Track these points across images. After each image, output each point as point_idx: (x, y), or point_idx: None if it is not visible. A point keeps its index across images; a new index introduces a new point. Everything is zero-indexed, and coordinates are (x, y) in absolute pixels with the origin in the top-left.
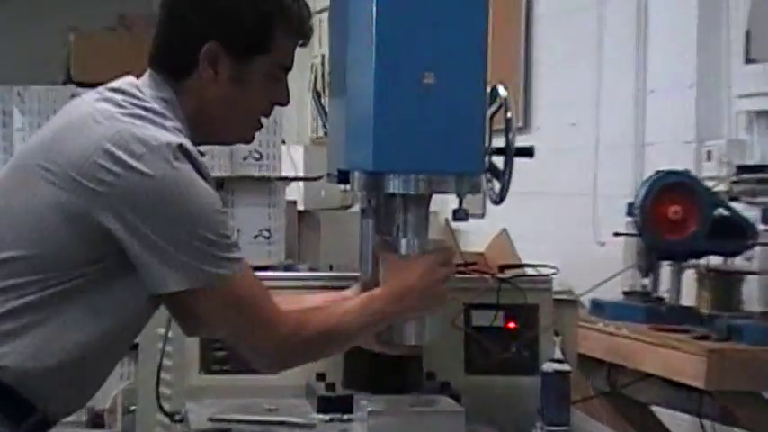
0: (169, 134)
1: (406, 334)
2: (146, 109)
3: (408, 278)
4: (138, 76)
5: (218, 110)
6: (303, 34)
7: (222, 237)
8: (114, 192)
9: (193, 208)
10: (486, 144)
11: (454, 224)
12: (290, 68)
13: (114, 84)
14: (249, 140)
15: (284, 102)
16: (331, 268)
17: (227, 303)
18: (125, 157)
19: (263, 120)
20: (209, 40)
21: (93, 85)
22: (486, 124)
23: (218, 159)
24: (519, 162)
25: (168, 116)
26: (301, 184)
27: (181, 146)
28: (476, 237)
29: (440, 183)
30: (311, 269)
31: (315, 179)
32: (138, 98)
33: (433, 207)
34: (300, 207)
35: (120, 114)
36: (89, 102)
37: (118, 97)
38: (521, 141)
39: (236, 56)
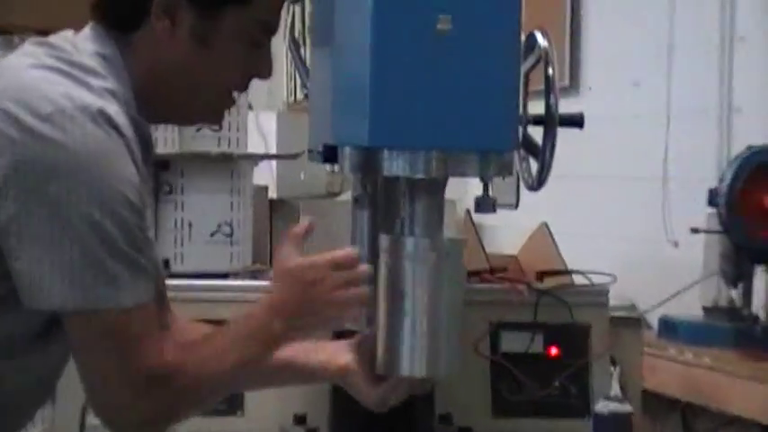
0: (91, 95)
1: (411, 364)
2: (71, 63)
3: (292, 286)
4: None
5: (173, 76)
6: None
7: (129, 245)
8: (5, 162)
9: (102, 195)
10: (521, 111)
11: (477, 217)
12: (274, 31)
13: (47, 38)
14: (215, 121)
15: (264, 74)
16: None
17: (101, 336)
18: (25, 116)
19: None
20: None
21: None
22: (519, 85)
23: (162, 130)
24: (564, 134)
25: (102, 75)
26: (274, 163)
27: (102, 111)
28: (506, 234)
29: (458, 163)
30: None
31: (292, 157)
32: (66, 52)
33: (449, 195)
34: (273, 194)
35: (31, 68)
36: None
37: (39, 50)
38: (566, 107)
39: (201, 5)
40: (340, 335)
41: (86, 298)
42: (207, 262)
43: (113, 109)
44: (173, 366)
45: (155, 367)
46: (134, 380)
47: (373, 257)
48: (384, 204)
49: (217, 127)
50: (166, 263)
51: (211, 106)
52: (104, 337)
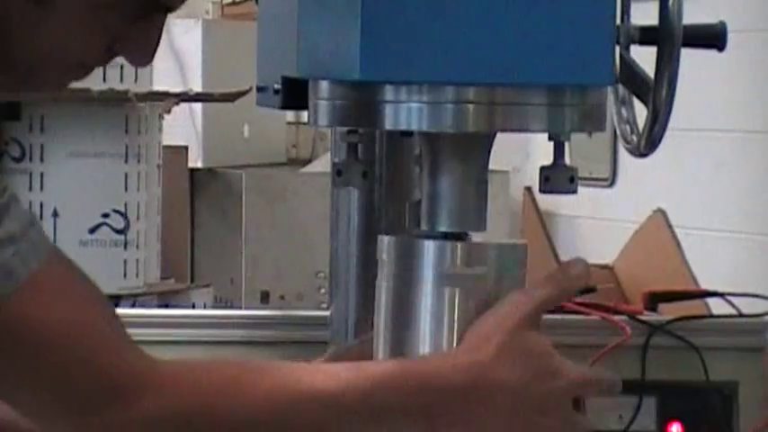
0: None
1: None
2: None
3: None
4: None
5: None
6: None
7: None
8: None
9: None
10: (617, 20)
11: (544, 201)
12: (165, 8)
13: None
14: (42, 90)
15: (136, 59)
16: (266, 299)
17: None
18: None
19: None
20: None
21: None
22: None
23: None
24: (692, 64)
25: None
26: (198, 109)
27: None
28: (594, 230)
29: (512, 109)
30: (219, 302)
31: (228, 99)
32: None
33: (498, 164)
34: (197, 162)
35: None
36: None
37: None
38: (695, 14)
39: None
40: None
41: None
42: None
43: None
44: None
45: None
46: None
47: (367, 267)
48: (387, 180)
49: None
50: None
51: (39, 73)
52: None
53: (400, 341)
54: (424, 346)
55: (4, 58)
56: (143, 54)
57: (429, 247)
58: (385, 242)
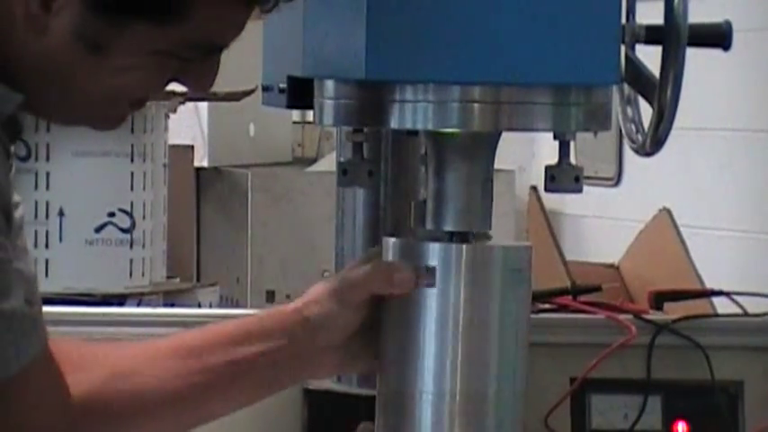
0: None
1: None
2: None
3: None
4: None
5: (36, 72)
6: None
7: None
8: None
9: None
10: (622, 19)
11: (550, 200)
12: (219, 49)
13: None
14: (103, 128)
15: (196, 90)
16: (272, 298)
17: None
18: None
19: None
20: None
21: None
22: None
23: None
24: (697, 64)
25: None
26: (204, 108)
27: None
28: (599, 229)
29: (518, 108)
30: (225, 301)
31: (234, 98)
32: None
33: (503, 164)
34: (203, 161)
35: None
36: None
37: None
38: (700, 13)
39: (95, 5)
40: None
41: None
42: (89, 276)
43: None
44: None
45: None
46: None
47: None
48: (392, 179)
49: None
50: None
51: (98, 114)
52: None
53: (405, 342)
54: (430, 347)
55: (65, 101)
56: (203, 87)
57: (434, 249)
58: (390, 244)
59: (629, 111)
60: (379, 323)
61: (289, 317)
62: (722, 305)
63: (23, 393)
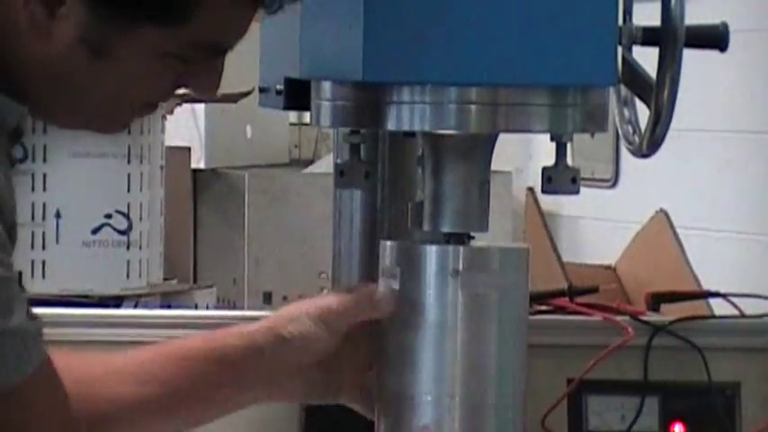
0: None
1: None
2: None
3: None
4: None
5: (41, 77)
6: None
7: None
8: None
9: None
10: (618, 20)
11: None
12: (225, 50)
13: None
14: (111, 132)
15: (201, 93)
16: (269, 300)
17: None
18: None
19: None
20: None
21: None
22: None
23: None
24: (694, 65)
25: None
26: (200, 109)
27: None
28: (596, 231)
29: (515, 109)
30: (222, 303)
31: (231, 100)
32: None
33: (500, 165)
34: (200, 162)
35: None
36: None
37: None
38: (697, 15)
39: (100, 9)
40: None
41: None
42: (86, 277)
43: None
44: None
45: None
46: None
47: (369, 268)
48: (389, 181)
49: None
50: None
51: (103, 117)
52: None
53: (402, 345)
54: (428, 350)
55: (70, 105)
56: (208, 89)
57: (431, 252)
58: (387, 247)
59: (626, 112)
60: (378, 327)
61: (259, 333)
62: (719, 307)
63: (26, 405)
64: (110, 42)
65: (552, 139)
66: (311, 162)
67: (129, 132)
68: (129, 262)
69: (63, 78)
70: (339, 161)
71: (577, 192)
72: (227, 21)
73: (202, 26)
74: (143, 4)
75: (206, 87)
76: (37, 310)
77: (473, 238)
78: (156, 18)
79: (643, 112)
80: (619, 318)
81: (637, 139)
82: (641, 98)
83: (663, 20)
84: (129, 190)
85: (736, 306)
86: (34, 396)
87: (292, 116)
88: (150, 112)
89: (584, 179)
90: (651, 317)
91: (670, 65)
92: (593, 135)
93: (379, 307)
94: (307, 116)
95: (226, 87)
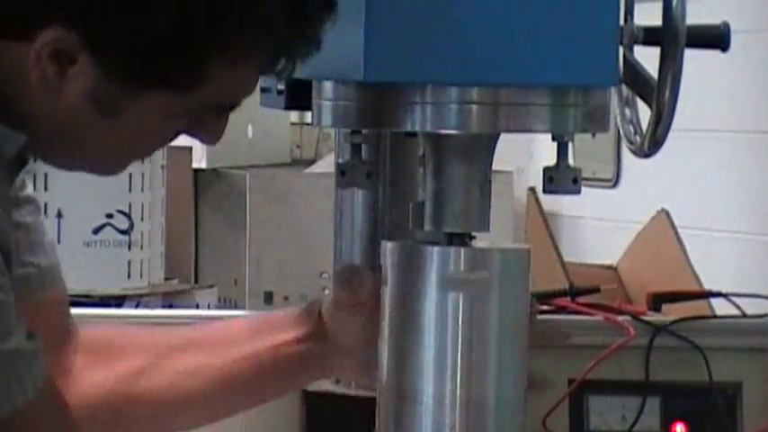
0: None
1: None
2: None
3: None
4: None
5: (50, 129)
6: (291, 50)
7: None
8: None
9: None
10: (620, 20)
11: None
12: (233, 107)
13: None
14: (110, 174)
15: (206, 143)
16: (270, 300)
17: None
18: None
19: None
20: (53, 23)
21: None
22: None
23: None
24: (695, 65)
25: None
26: None
27: None
28: (597, 230)
29: (516, 109)
30: (223, 303)
31: None
32: None
33: (501, 165)
34: (201, 162)
35: None
36: None
37: None
38: (698, 14)
39: (111, 72)
40: None
41: None
42: (87, 277)
43: None
44: None
45: None
46: None
47: (370, 267)
48: (390, 181)
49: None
50: None
51: (103, 165)
52: None
53: (404, 346)
54: (428, 352)
55: (72, 154)
56: (212, 140)
57: (432, 253)
58: (388, 248)
59: (628, 112)
60: (379, 326)
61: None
62: (720, 306)
63: (28, 425)
64: (119, 102)
65: (553, 139)
66: (312, 162)
67: None
68: (130, 262)
69: (68, 131)
70: (340, 161)
71: (579, 192)
72: (237, 83)
73: (212, 89)
74: (154, 70)
75: (210, 140)
76: None
77: (474, 237)
78: (167, 85)
79: (644, 112)
80: (620, 318)
81: (638, 138)
82: (642, 98)
83: (664, 20)
84: (130, 190)
85: (737, 306)
86: (38, 417)
87: (294, 116)
88: (149, 155)
89: (585, 179)
90: (652, 317)
91: (671, 65)
92: (594, 135)
93: (359, 290)
94: (308, 116)
95: None
